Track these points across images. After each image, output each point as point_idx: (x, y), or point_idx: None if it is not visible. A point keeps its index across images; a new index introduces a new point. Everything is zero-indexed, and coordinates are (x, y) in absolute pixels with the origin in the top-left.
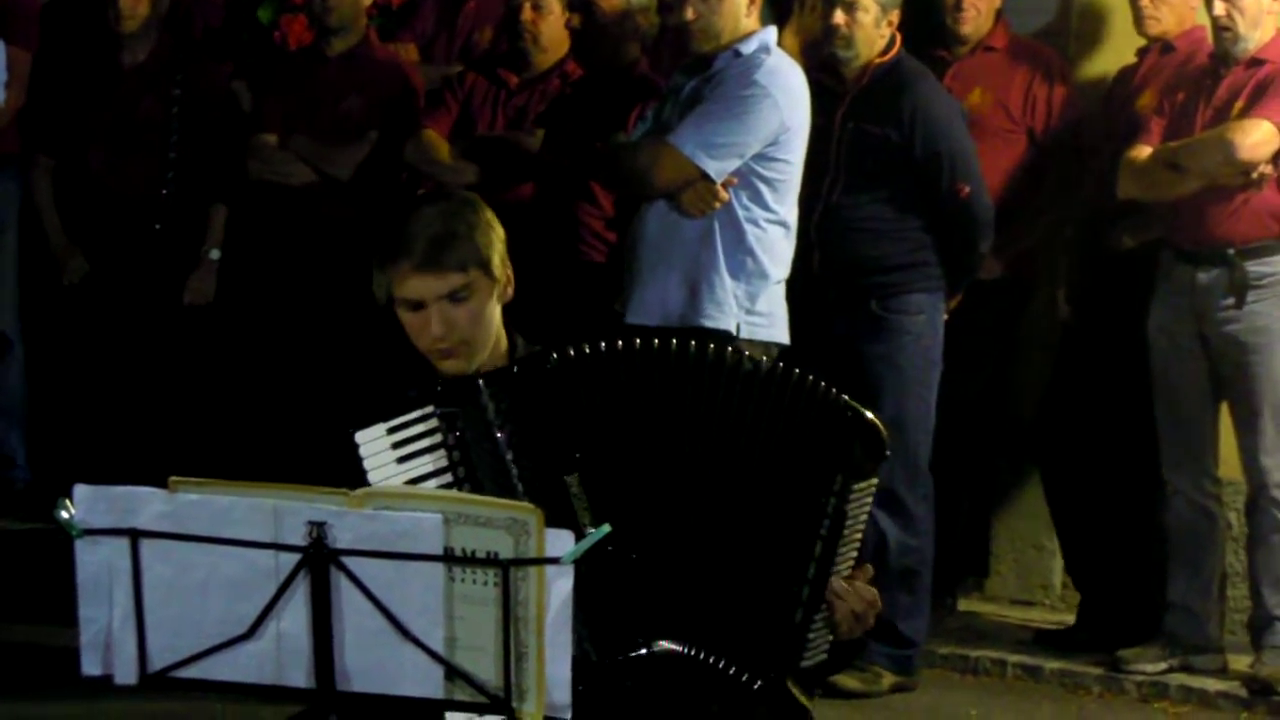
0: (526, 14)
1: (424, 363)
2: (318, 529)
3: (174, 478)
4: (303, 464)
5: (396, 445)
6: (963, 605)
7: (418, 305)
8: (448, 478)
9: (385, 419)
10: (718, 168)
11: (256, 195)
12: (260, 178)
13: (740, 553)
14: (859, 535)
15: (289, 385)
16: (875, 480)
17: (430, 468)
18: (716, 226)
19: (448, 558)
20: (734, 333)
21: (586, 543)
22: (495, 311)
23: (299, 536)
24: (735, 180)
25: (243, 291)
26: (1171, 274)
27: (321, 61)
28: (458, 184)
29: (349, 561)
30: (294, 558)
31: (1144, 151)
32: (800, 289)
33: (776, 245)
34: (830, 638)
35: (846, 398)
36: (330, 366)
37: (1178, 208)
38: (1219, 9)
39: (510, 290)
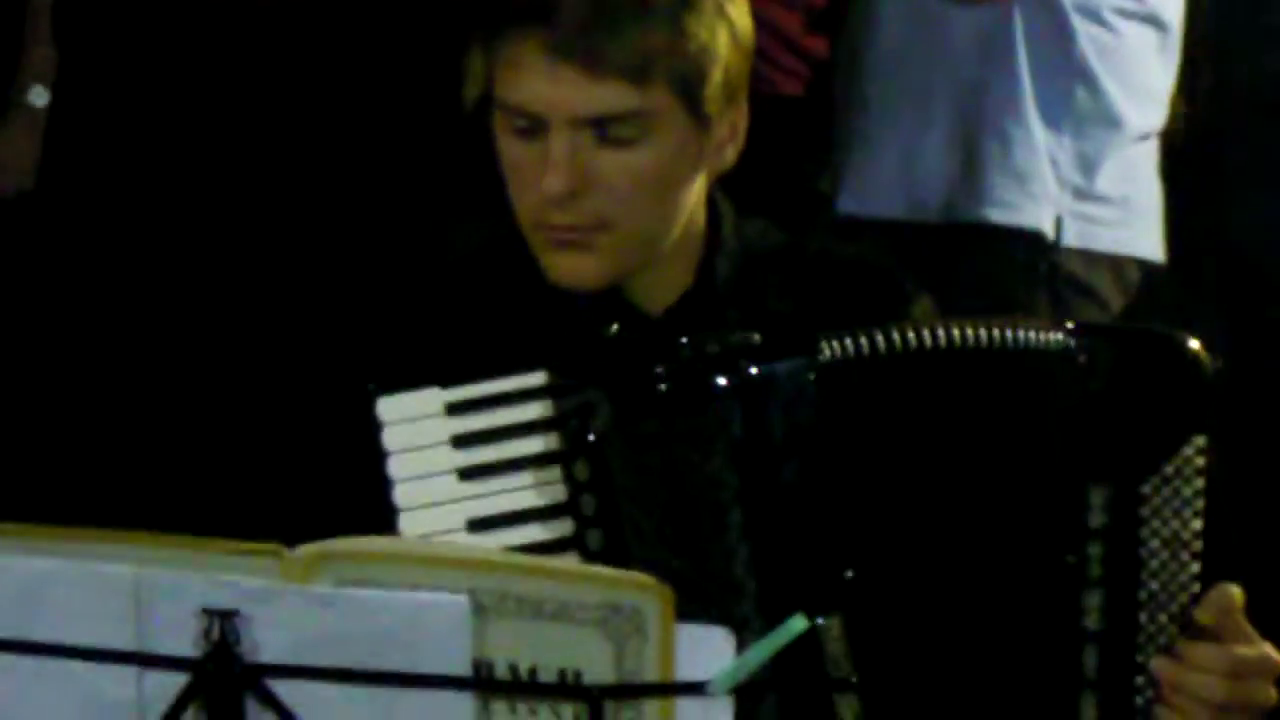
0: None
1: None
2: (220, 624)
3: None
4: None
5: (459, 442)
6: None
7: (535, 125)
8: (560, 525)
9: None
10: None
11: None
12: None
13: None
14: (1197, 543)
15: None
16: (1200, 443)
17: (530, 501)
18: (1019, 24)
19: (480, 681)
20: (1050, 236)
21: (757, 654)
22: (693, 186)
23: (183, 638)
24: None
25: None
26: None
27: None
28: None
29: (281, 688)
30: (175, 680)
31: None
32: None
33: (1139, 63)
34: None
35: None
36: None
37: None
38: None
39: (732, 153)
